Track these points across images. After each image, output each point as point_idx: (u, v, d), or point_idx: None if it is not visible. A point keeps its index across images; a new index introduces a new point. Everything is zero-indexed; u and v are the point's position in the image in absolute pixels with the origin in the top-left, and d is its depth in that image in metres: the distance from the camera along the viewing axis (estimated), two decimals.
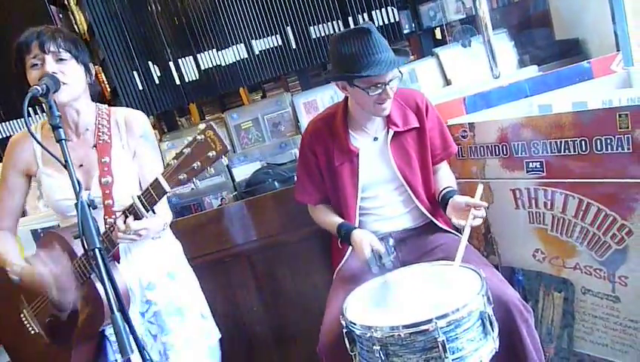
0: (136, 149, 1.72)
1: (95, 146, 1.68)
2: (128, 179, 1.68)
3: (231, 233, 2.40)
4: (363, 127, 1.93)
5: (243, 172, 2.67)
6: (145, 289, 1.74)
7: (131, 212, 1.48)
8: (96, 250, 1.25)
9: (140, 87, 2.78)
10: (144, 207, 1.45)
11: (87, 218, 1.26)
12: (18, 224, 1.81)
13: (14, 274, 1.66)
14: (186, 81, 2.78)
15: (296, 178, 2.10)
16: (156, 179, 1.41)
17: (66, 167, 1.30)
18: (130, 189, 1.65)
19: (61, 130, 1.32)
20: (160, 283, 1.76)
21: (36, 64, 1.58)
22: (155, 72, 2.78)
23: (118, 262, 1.69)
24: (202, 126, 1.35)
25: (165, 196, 1.46)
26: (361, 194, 1.92)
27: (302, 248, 2.42)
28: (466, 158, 2.14)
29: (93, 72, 1.71)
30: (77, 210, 1.25)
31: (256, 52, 2.76)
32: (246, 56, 2.77)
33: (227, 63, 2.78)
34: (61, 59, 1.59)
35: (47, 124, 1.70)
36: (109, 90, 3.23)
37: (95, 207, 1.31)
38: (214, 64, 2.78)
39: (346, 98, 1.94)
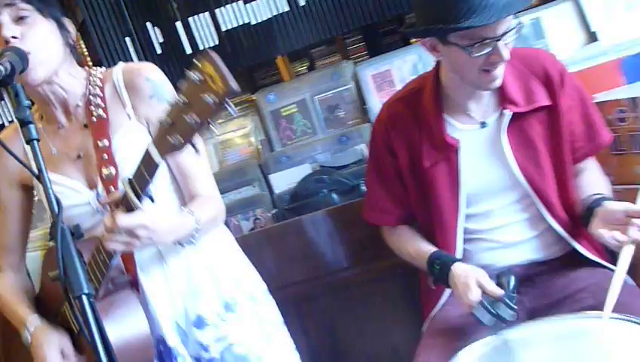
0: (148, 116, 1.73)
1: (86, 126, 1.73)
2: None
3: (270, 268, 2.42)
4: (464, 108, 1.93)
5: (286, 180, 2.71)
6: (193, 326, 1.77)
7: (124, 203, 1.49)
8: (84, 297, 1.28)
9: (135, 59, 2.87)
10: (135, 193, 1.45)
11: (69, 251, 1.30)
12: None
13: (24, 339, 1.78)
14: (200, 48, 2.85)
15: (365, 188, 2.13)
16: (147, 150, 1.40)
17: (38, 178, 1.34)
18: None
19: (32, 125, 1.37)
20: (212, 317, 1.78)
21: None
22: (157, 37, 2.86)
23: (139, 291, 1.72)
24: (196, 60, 1.25)
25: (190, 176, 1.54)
26: (465, 210, 1.92)
27: (375, 291, 2.44)
28: (626, 153, 2.11)
29: (72, 29, 1.73)
30: (56, 241, 1.29)
31: (301, 2, 2.79)
32: (286, 9, 2.81)
33: (258, 21, 2.82)
34: (21, 18, 1.61)
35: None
36: (90, 63, 3.34)
37: (81, 235, 1.36)
38: (240, 22, 2.83)
39: (437, 67, 1.94)
